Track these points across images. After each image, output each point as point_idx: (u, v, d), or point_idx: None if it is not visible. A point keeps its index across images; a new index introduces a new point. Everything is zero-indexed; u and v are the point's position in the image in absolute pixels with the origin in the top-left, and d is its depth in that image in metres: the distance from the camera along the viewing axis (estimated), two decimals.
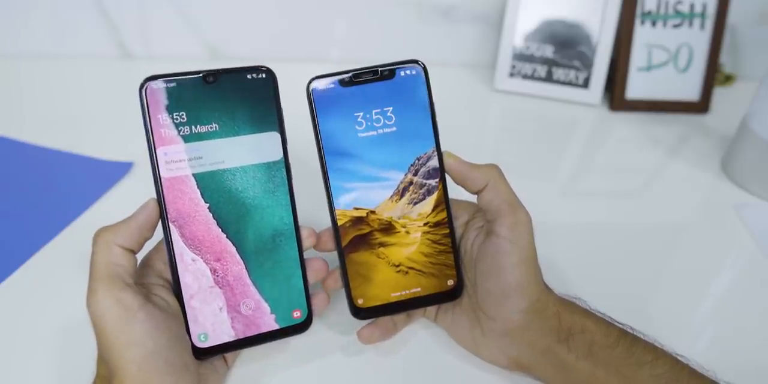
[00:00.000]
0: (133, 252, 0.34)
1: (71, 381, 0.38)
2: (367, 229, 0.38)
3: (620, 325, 0.37)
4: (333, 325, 0.43)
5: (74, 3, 0.73)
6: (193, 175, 0.35)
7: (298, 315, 0.38)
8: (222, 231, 0.36)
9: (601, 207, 0.58)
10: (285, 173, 0.37)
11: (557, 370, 0.36)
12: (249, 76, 0.36)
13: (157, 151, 0.35)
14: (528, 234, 0.37)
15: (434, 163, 0.39)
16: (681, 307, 0.47)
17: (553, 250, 0.52)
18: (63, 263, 0.47)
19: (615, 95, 0.75)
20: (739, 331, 0.45)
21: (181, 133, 0.35)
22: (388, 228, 0.38)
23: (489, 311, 0.37)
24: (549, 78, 0.76)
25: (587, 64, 0.75)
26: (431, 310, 0.42)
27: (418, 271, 0.39)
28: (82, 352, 0.40)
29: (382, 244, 0.38)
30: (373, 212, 0.38)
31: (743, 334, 0.45)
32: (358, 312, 0.38)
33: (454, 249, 0.39)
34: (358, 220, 0.38)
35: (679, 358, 0.35)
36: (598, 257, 0.51)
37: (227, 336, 0.36)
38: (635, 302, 0.47)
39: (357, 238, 0.38)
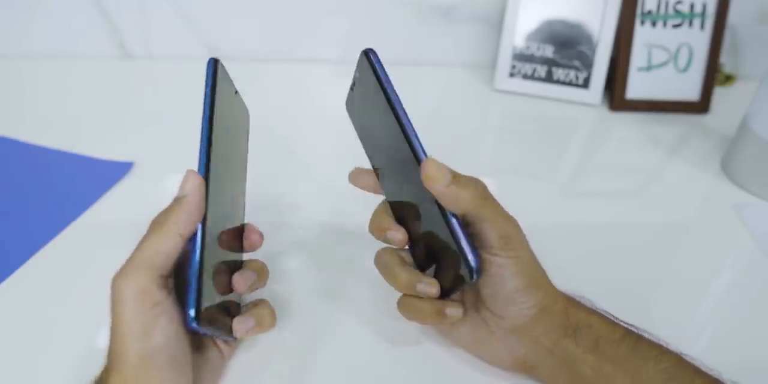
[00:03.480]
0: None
1: (71, 381, 0.38)
2: None
3: (625, 324, 0.37)
4: (332, 325, 0.43)
5: (74, 3, 0.73)
6: None
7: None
8: None
9: (601, 207, 0.58)
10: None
11: (563, 368, 0.36)
12: None
13: None
14: (519, 242, 0.36)
15: None
16: (681, 306, 0.47)
17: (553, 250, 0.51)
18: (63, 263, 0.47)
19: (615, 95, 0.75)
20: (739, 331, 0.45)
21: None
22: None
23: (496, 311, 0.37)
24: (549, 78, 0.76)
25: (587, 64, 0.75)
26: None
27: None
28: (83, 352, 0.40)
29: None
30: None
31: (743, 334, 0.45)
32: None
33: (455, 237, 0.36)
34: None
35: (683, 356, 0.35)
36: (598, 257, 0.51)
37: None
38: (635, 302, 0.47)
39: None
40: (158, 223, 0.33)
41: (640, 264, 0.51)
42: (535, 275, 0.37)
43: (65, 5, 0.73)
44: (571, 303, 0.38)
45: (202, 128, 0.35)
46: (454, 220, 0.34)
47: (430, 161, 0.34)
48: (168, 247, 0.32)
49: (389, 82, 0.36)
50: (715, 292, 0.49)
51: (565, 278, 0.47)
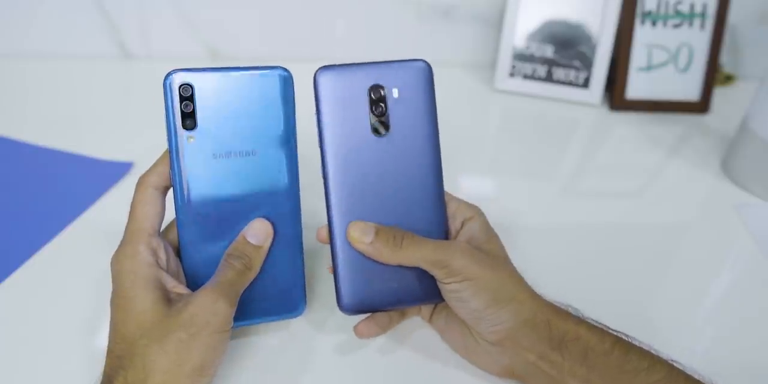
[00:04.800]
0: None
1: (71, 380, 0.38)
2: None
3: (614, 332, 0.36)
4: (323, 325, 0.43)
5: (75, 3, 0.73)
6: None
7: None
8: None
9: (601, 207, 0.58)
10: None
11: (552, 379, 0.36)
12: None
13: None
14: (465, 265, 0.36)
15: None
16: (681, 307, 0.47)
17: (552, 249, 0.52)
18: (63, 263, 0.47)
19: (615, 95, 0.75)
20: (739, 331, 0.45)
21: None
22: None
23: (472, 327, 0.37)
24: (549, 78, 0.76)
25: (587, 64, 0.75)
26: (426, 311, 0.42)
27: None
28: (82, 351, 0.40)
29: None
30: None
31: (743, 335, 0.45)
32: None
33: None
34: None
35: (675, 364, 0.35)
36: (598, 257, 0.51)
37: None
38: (635, 302, 0.47)
39: None
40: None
41: (640, 264, 0.51)
42: (501, 292, 0.36)
43: (65, 5, 0.73)
44: (555, 314, 0.36)
45: None
46: (338, 257, 0.37)
47: (352, 225, 0.36)
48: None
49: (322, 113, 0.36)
50: (715, 292, 0.49)
51: (564, 278, 0.47)
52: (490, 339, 0.36)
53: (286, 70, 0.37)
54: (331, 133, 0.36)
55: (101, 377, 0.33)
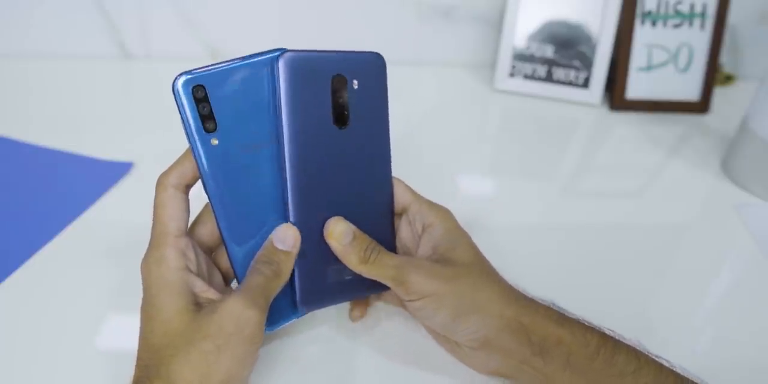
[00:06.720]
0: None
1: (70, 380, 0.38)
2: None
3: (598, 329, 0.35)
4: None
5: (74, 3, 0.73)
6: None
7: None
8: None
9: (601, 207, 0.58)
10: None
11: (539, 381, 0.35)
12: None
13: None
14: (423, 282, 0.35)
15: None
16: (681, 307, 0.47)
17: (552, 249, 0.52)
18: (63, 263, 0.47)
19: (615, 95, 0.75)
20: (739, 331, 0.45)
21: None
22: None
23: (450, 338, 0.37)
24: (549, 78, 0.76)
25: (587, 64, 0.75)
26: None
27: None
28: (82, 351, 0.40)
29: None
30: None
31: (743, 335, 0.45)
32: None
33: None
34: None
35: (663, 363, 0.34)
36: (598, 257, 0.51)
37: None
38: (635, 302, 0.47)
39: None
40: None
41: (640, 264, 0.51)
42: (462, 303, 0.35)
43: (65, 5, 0.73)
44: (533, 316, 0.35)
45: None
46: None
47: (335, 222, 0.36)
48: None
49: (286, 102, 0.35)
50: (715, 292, 0.49)
51: (563, 278, 0.47)
52: (470, 346, 0.36)
53: (287, 50, 0.36)
54: (291, 121, 0.35)
55: None
